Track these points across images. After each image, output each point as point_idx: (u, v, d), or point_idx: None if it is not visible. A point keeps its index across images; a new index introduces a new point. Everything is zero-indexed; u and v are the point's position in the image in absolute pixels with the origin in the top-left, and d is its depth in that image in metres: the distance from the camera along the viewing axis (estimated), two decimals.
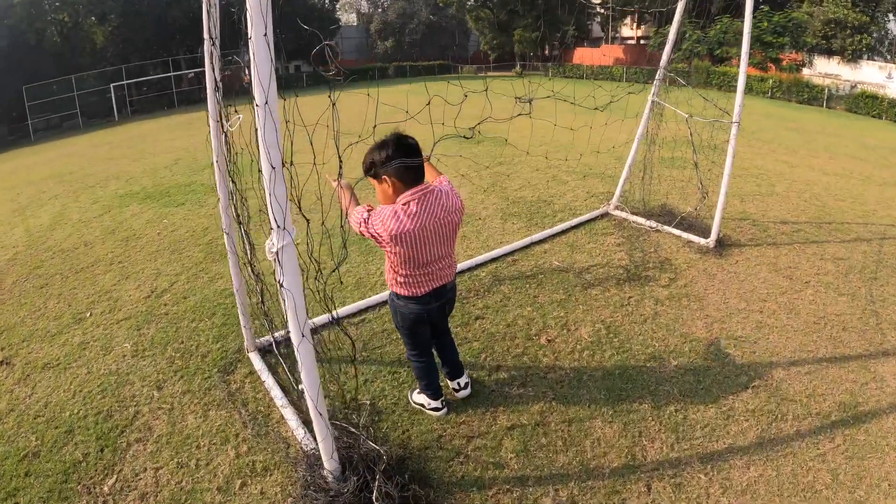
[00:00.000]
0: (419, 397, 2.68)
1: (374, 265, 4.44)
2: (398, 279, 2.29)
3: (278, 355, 3.05)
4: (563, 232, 5.10)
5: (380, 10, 45.17)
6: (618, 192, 5.62)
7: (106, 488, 2.35)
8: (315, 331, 3.26)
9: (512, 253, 4.65)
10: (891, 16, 28.78)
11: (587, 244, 4.80)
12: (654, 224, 5.20)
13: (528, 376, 2.95)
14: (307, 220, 1.94)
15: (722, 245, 4.90)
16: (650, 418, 2.70)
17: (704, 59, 31.49)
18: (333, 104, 1.77)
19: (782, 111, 20.50)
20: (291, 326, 1.83)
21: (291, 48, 34.60)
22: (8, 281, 4.89)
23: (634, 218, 5.36)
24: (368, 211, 2.17)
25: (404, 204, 2.13)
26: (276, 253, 1.71)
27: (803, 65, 30.53)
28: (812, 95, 26.17)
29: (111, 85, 26.61)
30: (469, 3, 38.63)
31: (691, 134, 5.00)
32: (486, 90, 2.79)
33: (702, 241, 4.88)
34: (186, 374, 3.13)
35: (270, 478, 2.34)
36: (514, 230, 5.21)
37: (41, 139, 25.45)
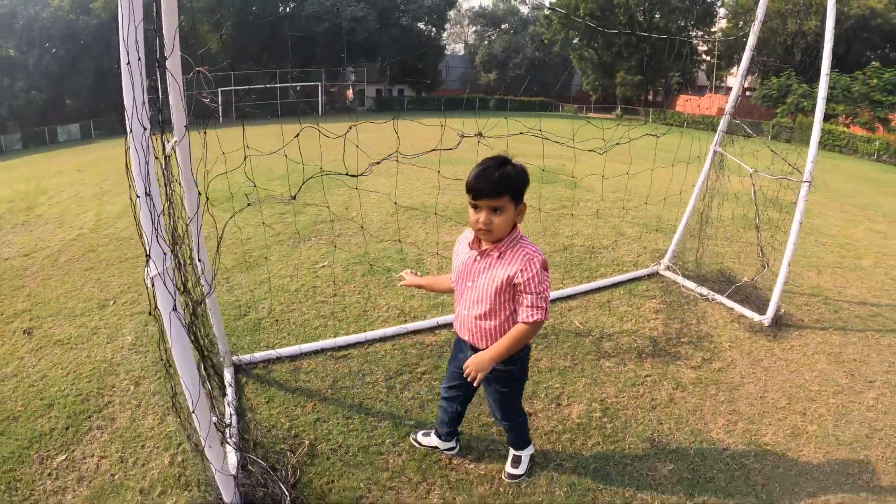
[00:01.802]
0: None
1: (383, 299, 4.30)
2: None
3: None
4: (600, 289, 4.70)
5: (486, 41, 46.26)
6: (670, 251, 5.14)
7: (55, 463, 2.53)
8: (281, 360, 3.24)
9: None
10: None
11: (621, 307, 4.39)
12: (705, 291, 4.68)
13: (488, 450, 2.62)
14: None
15: (779, 324, 4.26)
16: None
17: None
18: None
19: (887, 176, 18.52)
20: (175, 355, 1.74)
21: (396, 72, 36.28)
22: (63, 258, 5.33)
23: (684, 282, 4.85)
24: (536, 280, 1.89)
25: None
26: (152, 280, 1.64)
27: None
28: None
29: (219, 89, 29.16)
30: (574, 42, 38.60)
31: (755, 192, 4.47)
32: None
33: (756, 317, 4.27)
34: (164, 375, 3.17)
35: (187, 493, 2.29)
36: (555, 281, 4.88)
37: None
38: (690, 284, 4.79)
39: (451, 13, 45.11)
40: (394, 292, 4.39)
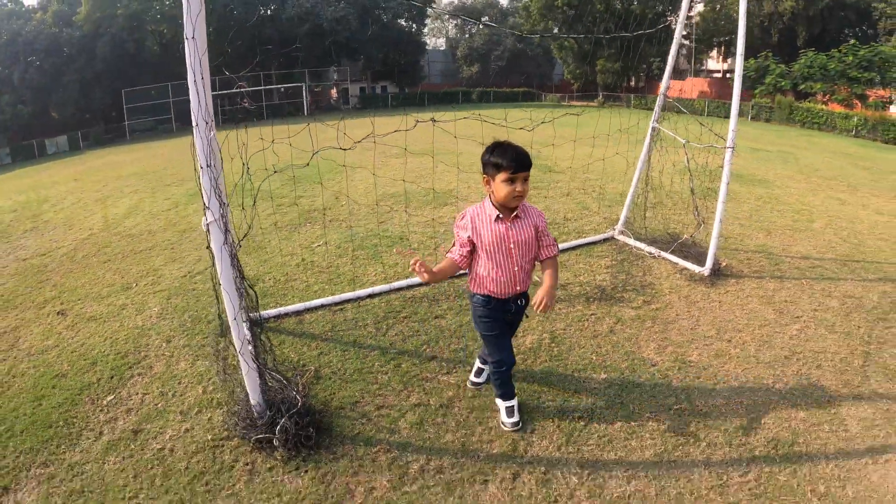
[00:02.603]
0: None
1: (371, 268, 4.95)
2: None
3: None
4: (560, 252, 5.32)
5: (466, 35, 46.79)
6: (622, 217, 5.79)
7: (105, 402, 3.11)
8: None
9: None
10: None
11: (576, 264, 5.03)
12: (653, 250, 5.30)
13: (456, 368, 3.29)
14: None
15: (719, 274, 4.81)
16: (550, 420, 2.86)
17: (788, 95, 30.14)
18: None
19: (862, 150, 19.09)
20: (222, 279, 2.37)
21: (379, 69, 36.80)
22: (79, 255, 5.91)
23: (636, 243, 5.48)
24: (546, 226, 2.65)
25: None
26: (207, 225, 2.28)
27: (891, 102, 28.57)
28: None
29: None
30: (554, 32, 39.15)
31: (688, 160, 5.10)
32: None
33: (697, 268, 4.84)
34: (191, 333, 3.81)
35: (220, 410, 2.93)
36: None
37: (136, 139, 28.74)
38: (641, 245, 5.44)
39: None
40: (380, 262, 5.03)
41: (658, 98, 5.31)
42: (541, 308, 2.47)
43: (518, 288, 2.63)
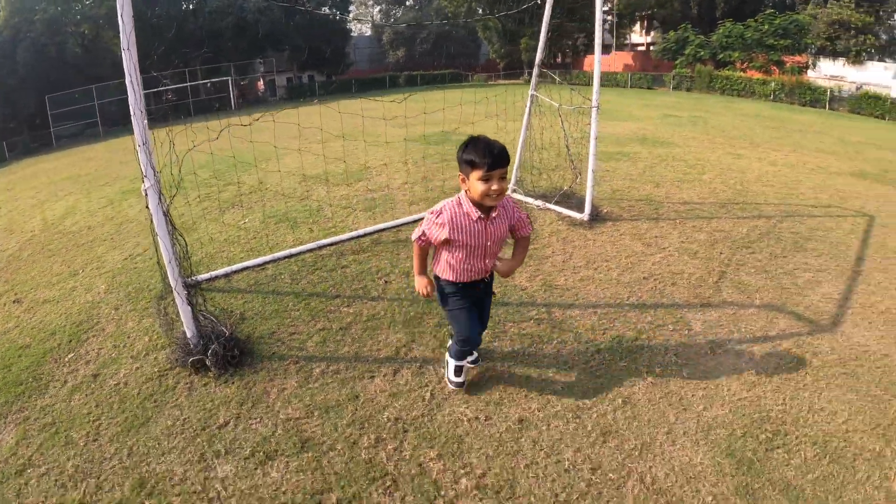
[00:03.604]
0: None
1: (290, 236, 5.65)
2: None
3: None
4: None
5: (391, 20, 46.91)
6: (513, 178, 6.60)
7: (66, 359, 3.68)
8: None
9: (399, 226, 5.64)
10: None
11: None
12: (540, 203, 6.12)
13: (355, 300, 4.10)
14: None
15: (598, 219, 5.49)
16: (429, 333, 3.61)
17: (708, 64, 31.90)
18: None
19: (776, 112, 20.64)
20: (158, 230, 3.06)
21: (305, 59, 36.65)
22: (25, 253, 6.34)
23: (526, 199, 6.27)
24: (522, 211, 2.70)
25: None
26: (146, 190, 2.97)
27: (807, 67, 30.72)
28: (815, 98, 26.45)
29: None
30: (478, 13, 39.86)
31: (562, 121, 5.94)
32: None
33: (578, 215, 5.55)
34: (136, 300, 4.43)
35: (164, 351, 3.60)
36: (416, 210, 6.19)
37: (63, 146, 27.77)
38: (529, 199, 6.31)
39: None
40: (297, 232, 5.75)
41: (534, 69, 6.18)
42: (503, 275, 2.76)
43: (486, 273, 2.73)
